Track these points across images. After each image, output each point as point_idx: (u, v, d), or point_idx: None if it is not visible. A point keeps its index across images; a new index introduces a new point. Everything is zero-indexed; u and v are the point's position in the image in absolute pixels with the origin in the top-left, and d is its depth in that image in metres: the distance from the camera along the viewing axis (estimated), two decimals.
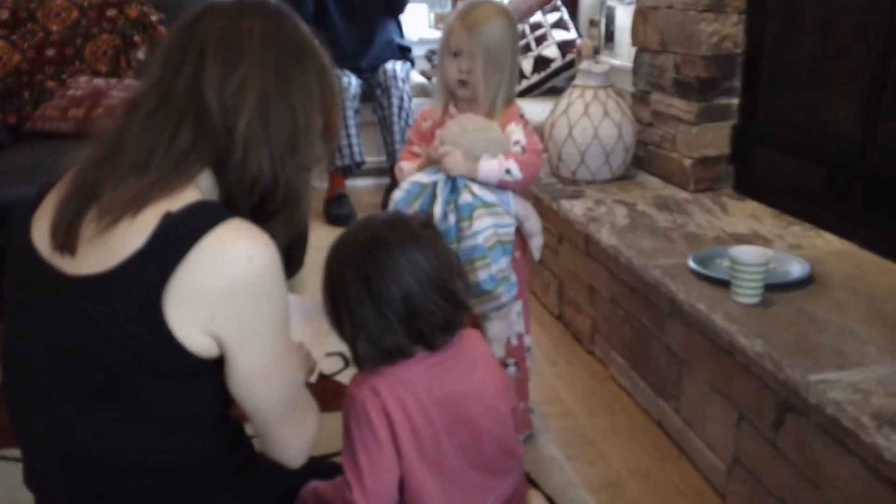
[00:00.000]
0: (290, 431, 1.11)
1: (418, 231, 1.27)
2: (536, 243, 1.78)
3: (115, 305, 0.96)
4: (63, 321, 0.99)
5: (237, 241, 0.97)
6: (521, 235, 1.74)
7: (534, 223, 1.75)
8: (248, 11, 1.06)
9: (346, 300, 1.22)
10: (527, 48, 3.72)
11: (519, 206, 1.71)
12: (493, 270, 1.63)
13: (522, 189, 1.75)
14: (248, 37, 1.03)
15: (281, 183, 1.05)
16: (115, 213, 0.96)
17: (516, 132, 1.71)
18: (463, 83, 1.70)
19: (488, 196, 1.65)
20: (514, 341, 1.80)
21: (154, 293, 0.94)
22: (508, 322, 1.74)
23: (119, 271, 0.95)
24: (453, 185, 1.65)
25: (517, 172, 1.66)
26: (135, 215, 0.96)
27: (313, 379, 1.43)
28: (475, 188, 1.64)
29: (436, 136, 1.70)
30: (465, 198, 1.63)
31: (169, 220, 0.96)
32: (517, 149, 1.69)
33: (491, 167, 1.64)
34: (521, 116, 1.74)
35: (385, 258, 1.22)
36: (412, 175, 1.71)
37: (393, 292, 1.21)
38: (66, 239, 0.98)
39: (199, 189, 1.02)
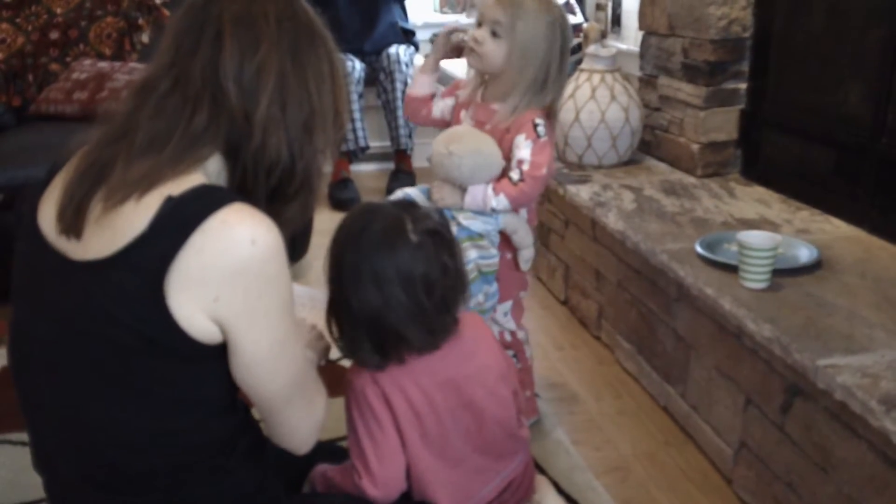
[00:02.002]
0: (295, 417, 1.10)
1: (407, 235, 1.20)
2: (525, 255, 1.72)
3: (119, 289, 0.96)
4: (69, 304, 0.99)
5: (240, 223, 0.97)
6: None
7: (523, 236, 1.69)
8: None
9: (330, 292, 1.22)
10: None
11: (508, 221, 1.65)
12: (472, 305, 1.60)
13: None
14: (264, 19, 1.03)
15: (299, 168, 1.05)
16: (123, 191, 0.96)
17: (523, 149, 1.60)
18: (472, 51, 1.65)
19: (475, 225, 1.60)
20: (508, 337, 1.80)
21: (157, 277, 0.94)
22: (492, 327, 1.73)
23: (122, 255, 0.95)
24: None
25: (504, 206, 1.60)
26: (141, 196, 0.96)
27: (324, 361, 1.43)
28: (462, 218, 1.60)
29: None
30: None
31: (171, 204, 0.96)
32: (515, 173, 1.59)
33: (475, 202, 1.60)
34: (536, 128, 1.61)
35: (357, 263, 1.18)
36: (410, 189, 1.68)
37: (359, 306, 1.18)
38: (73, 221, 0.98)
39: (205, 173, 1.02)
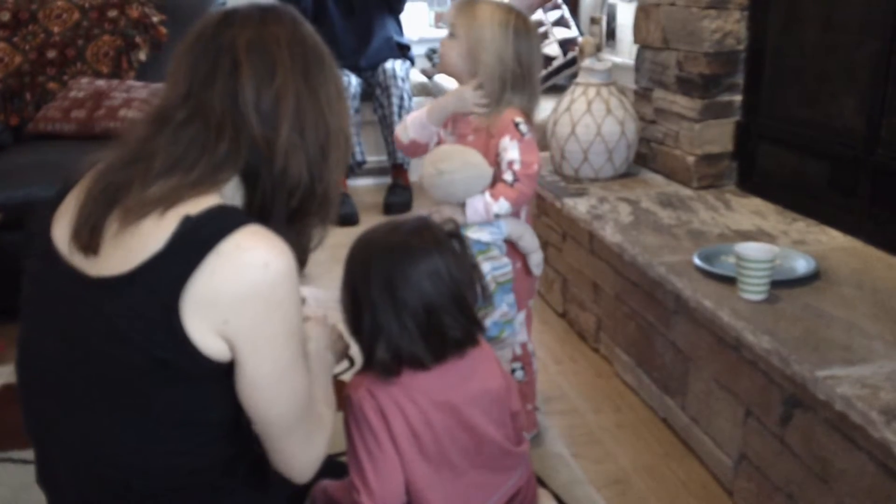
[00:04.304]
0: (294, 446, 1.09)
1: (443, 240, 1.27)
2: (535, 259, 1.74)
3: (132, 308, 0.96)
4: (81, 322, 0.99)
5: (255, 247, 0.97)
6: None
7: (529, 241, 1.71)
8: (270, 19, 1.06)
9: (369, 304, 1.22)
10: None
11: (511, 227, 1.67)
12: (497, 316, 1.62)
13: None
14: (277, 45, 1.04)
15: (318, 189, 1.07)
16: (141, 210, 0.97)
17: (510, 150, 1.62)
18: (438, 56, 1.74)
19: (483, 236, 1.62)
20: (518, 350, 1.80)
21: (172, 296, 0.95)
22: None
23: (138, 274, 0.96)
24: None
25: (506, 210, 1.62)
26: (160, 215, 0.96)
27: (344, 365, 1.42)
28: (470, 233, 1.61)
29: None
30: None
31: (188, 224, 0.96)
32: (508, 175, 1.61)
33: (477, 214, 1.62)
34: (518, 127, 1.63)
35: (411, 267, 1.22)
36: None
37: (416, 302, 1.21)
38: (89, 239, 0.98)
39: (221, 194, 1.02)
